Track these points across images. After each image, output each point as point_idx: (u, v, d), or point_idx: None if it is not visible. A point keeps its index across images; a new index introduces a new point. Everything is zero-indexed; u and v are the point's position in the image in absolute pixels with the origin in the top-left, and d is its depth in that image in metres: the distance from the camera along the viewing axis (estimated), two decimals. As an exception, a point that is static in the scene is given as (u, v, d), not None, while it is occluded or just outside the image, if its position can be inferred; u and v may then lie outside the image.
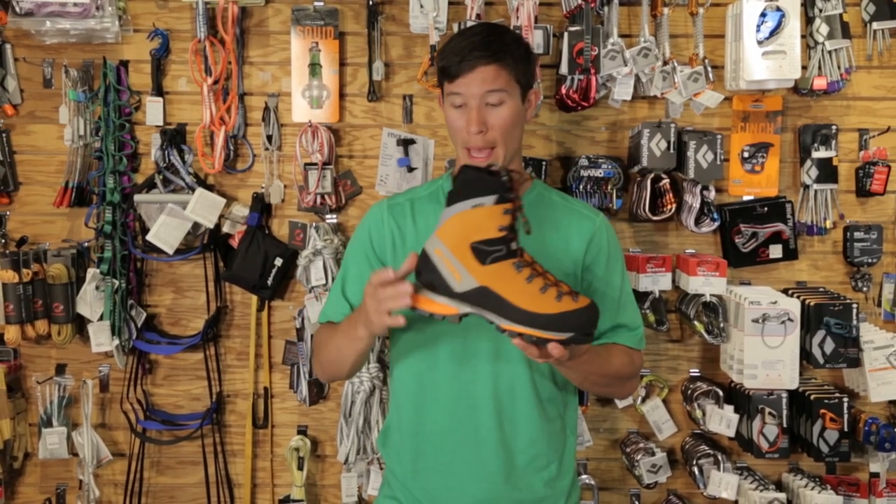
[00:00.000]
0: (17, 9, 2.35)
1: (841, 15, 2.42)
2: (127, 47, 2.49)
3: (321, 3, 2.47)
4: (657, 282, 2.41)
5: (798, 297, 2.40)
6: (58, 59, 2.49)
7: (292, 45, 2.47)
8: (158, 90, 2.49)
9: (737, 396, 2.46)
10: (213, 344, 2.56)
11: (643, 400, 2.53)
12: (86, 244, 2.51)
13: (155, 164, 2.49)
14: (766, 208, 2.48)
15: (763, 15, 2.29)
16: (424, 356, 1.67)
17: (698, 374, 2.56)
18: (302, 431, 2.57)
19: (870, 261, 2.50)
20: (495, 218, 1.39)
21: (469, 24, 2.27)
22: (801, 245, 2.53)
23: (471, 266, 1.39)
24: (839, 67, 2.43)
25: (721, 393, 2.43)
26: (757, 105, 2.48)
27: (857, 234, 2.49)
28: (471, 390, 1.65)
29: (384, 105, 2.53)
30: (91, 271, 2.43)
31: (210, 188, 2.50)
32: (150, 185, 2.48)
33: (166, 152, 2.46)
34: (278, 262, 2.45)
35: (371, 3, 2.45)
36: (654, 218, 2.41)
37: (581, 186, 2.45)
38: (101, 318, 2.44)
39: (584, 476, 2.49)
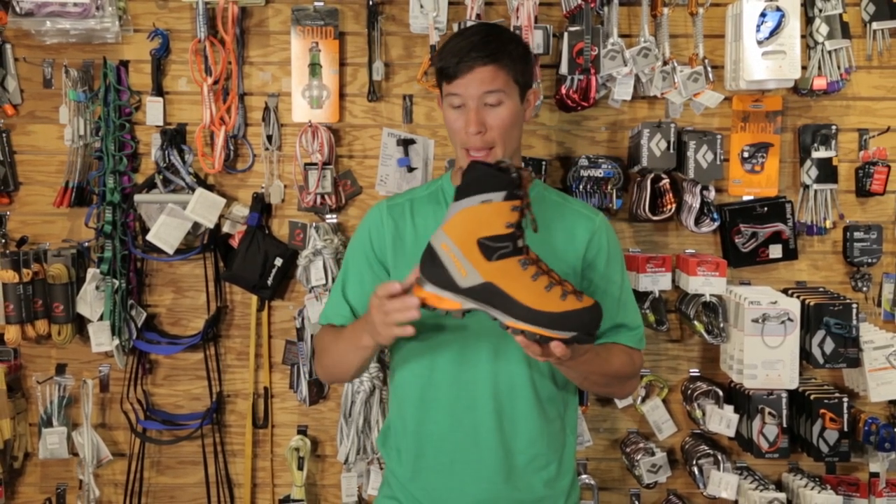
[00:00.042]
0: (18, 9, 2.35)
1: (841, 15, 2.42)
2: (127, 47, 2.50)
3: (321, 3, 2.47)
4: (657, 282, 2.41)
5: (798, 297, 2.40)
6: (58, 59, 2.49)
7: (292, 45, 2.47)
8: (158, 90, 2.49)
9: (737, 396, 2.46)
10: (214, 344, 2.56)
11: (643, 400, 2.53)
12: (86, 244, 2.51)
13: (155, 164, 2.49)
14: (765, 208, 2.48)
15: (763, 15, 2.29)
16: (424, 356, 1.67)
17: (698, 374, 2.56)
18: (302, 431, 2.57)
19: (869, 261, 2.50)
20: (503, 214, 1.39)
21: (469, 24, 2.27)
22: (800, 245, 2.53)
23: (476, 262, 1.39)
24: (839, 67, 2.43)
25: (721, 393, 2.43)
26: (757, 105, 2.48)
27: (857, 234, 2.49)
28: (471, 390, 1.65)
29: (384, 105, 2.53)
30: (91, 271, 2.43)
31: (210, 188, 2.50)
32: (150, 185, 2.48)
33: (166, 152, 2.46)
34: (278, 262, 2.45)
35: (371, 3, 2.45)
36: (654, 218, 2.41)
37: (581, 186, 2.45)
38: (101, 318, 2.44)
39: (584, 476, 2.49)
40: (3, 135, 2.49)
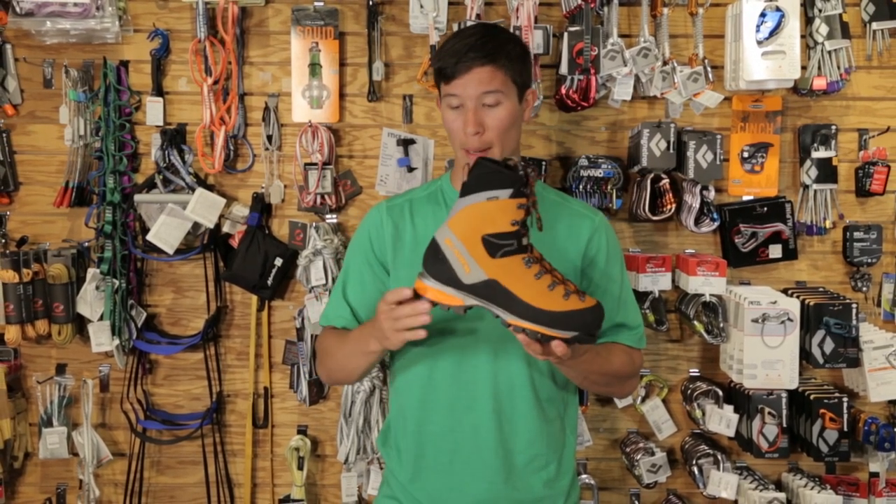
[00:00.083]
0: (18, 9, 2.35)
1: (840, 15, 2.42)
2: (127, 47, 2.50)
3: (321, 3, 2.47)
4: (657, 282, 2.41)
5: (798, 296, 2.40)
6: (58, 59, 2.49)
7: (292, 45, 2.47)
8: (158, 90, 2.50)
9: (736, 396, 2.47)
10: (214, 344, 2.56)
11: (643, 400, 2.53)
12: (86, 244, 2.51)
13: (155, 164, 2.49)
14: (765, 208, 2.49)
15: (763, 15, 2.29)
16: (424, 357, 1.67)
17: (698, 374, 2.56)
18: (302, 431, 2.57)
19: (869, 261, 2.50)
20: (509, 212, 1.39)
21: (469, 24, 2.27)
22: (800, 245, 2.53)
23: (481, 258, 1.39)
24: (839, 67, 2.43)
25: (721, 393, 2.43)
26: (756, 105, 2.48)
27: (857, 234, 2.49)
28: (470, 390, 1.65)
29: (384, 105, 2.53)
30: (91, 271, 2.43)
31: (210, 188, 2.50)
32: (150, 185, 2.48)
33: (166, 152, 2.46)
34: (278, 262, 2.45)
35: (371, 3, 2.46)
36: (654, 218, 2.42)
37: (581, 186, 2.45)
38: (101, 318, 2.44)
39: (583, 476, 2.49)
40: (4, 135, 2.49)
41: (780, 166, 2.51)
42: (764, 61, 2.30)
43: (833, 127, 2.49)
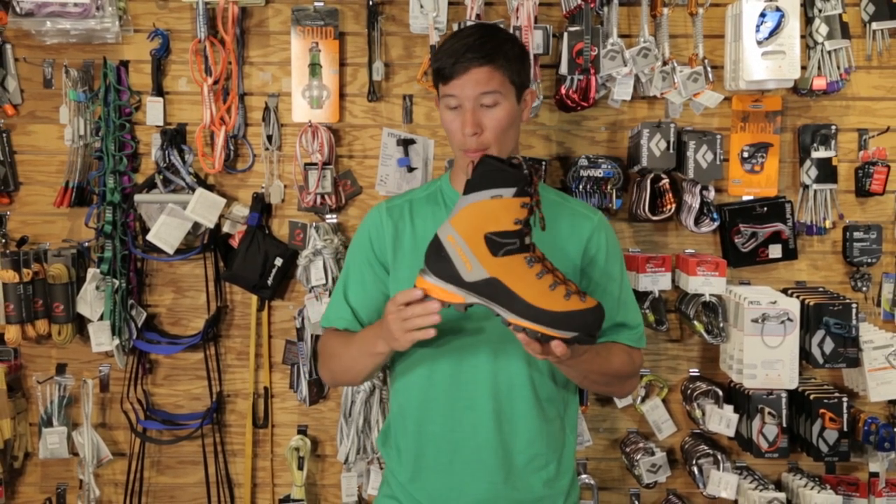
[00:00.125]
0: (18, 9, 2.35)
1: (840, 15, 2.42)
2: (127, 47, 2.50)
3: (321, 3, 2.47)
4: (657, 282, 2.41)
5: (797, 296, 2.40)
6: (58, 59, 2.49)
7: (292, 46, 2.47)
8: (159, 90, 2.50)
9: (736, 396, 2.47)
10: (214, 344, 2.56)
11: (643, 400, 2.54)
12: (86, 244, 2.51)
13: (155, 164, 2.49)
14: (765, 208, 2.49)
15: (762, 15, 2.30)
16: (425, 357, 1.67)
17: (698, 374, 2.56)
18: (302, 431, 2.57)
19: (869, 261, 2.50)
20: (512, 211, 1.39)
21: (469, 24, 2.27)
22: (800, 245, 2.53)
23: (483, 256, 1.39)
24: (838, 67, 2.43)
25: (720, 393, 2.43)
26: (756, 105, 2.48)
27: (857, 234, 2.49)
28: (470, 391, 1.65)
29: (384, 105, 2.53)
30: (91, 271, 2.43)
31: (210, 188, 2.50)
32: (150, 185, 2.48)
33: (166, 152, 2.46)
34: (278, 261, 2.45)
35: (371, 3, 2.46)
36: (654, 218, 2.42)
37: (581, 186, 2.45)
38: (101, 318, 2.44)
39: (583, 476, 2.49)
40: (4, 135, 2.49)
41: (780, 166, 2.51)
42: (764, 61, 2.30)
43: (833, 127, 2.49)
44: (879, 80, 2.52)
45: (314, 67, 2.46)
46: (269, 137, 2.50)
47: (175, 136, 2.47)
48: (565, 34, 2.33)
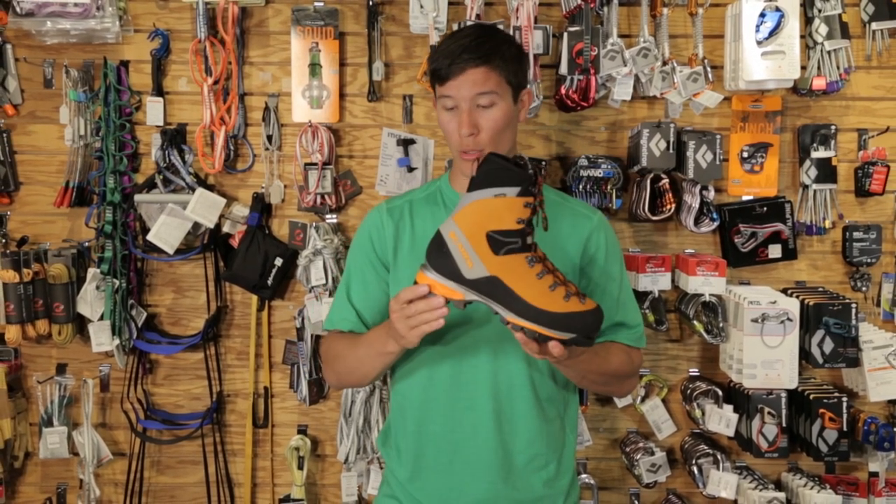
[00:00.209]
0: (18, 9, 2.36)
1: (840, 15, 2.42)
2: (127, 47, 2.50)
3: (321, 4, 2.47)
4: (656, 281, 2.41)
5: (797, 296, 2.41)
6: (58, 59, 2.49)
7: (292, 46, 2.47)
8: (159, 90, 2.50)
9: (736, 396, 2.47)
10: (214, 344, 2.56)
11: (643, 399, 2.54)
12: (86, 244, 2.51)
13: (155, 164, 2.49)
14: (765, 208, 2.49)
15: (762, 15, 2.30)
16: (425, 357, 1.67)
17: (698, 374, 2.56)
18: (302, 431, 2.57)
19: (869, 260, 2.50)
20: (515, 210, 1.39)
21: (468, 24, 2.27)
22: (800, 245, 2.53)
23: (484, 254, 1.39)
24: (838, 67, 2.43)
25: (720, 392, 2.43)
26: (756, 105, 2.48)
27: (857, 234, 2.49)
28: (470, 391, 1.65)
29: (384, 105, 2.53)
30: (91, 271, 2.43)
31: (210, 188, 2.50)
32: (150, 185, 2.48)
33: (167, 152, 2.46)
34: (278, 261, 2.45)
35: (371, 3, 2.46)
36: (654, 218, 2.42)
37: (580, 186, 2.45)
38: (101, 318, 2.44)
39: (583, 475, 2.49)
40: (4, 135, 2.49)
41: (780, 166, 2.51)
42: (763, 61, 2.30)
43: (832, 127, 2.49)
44: (879, 80, 2.52)
45: (314, 67, 2.46)
46: (269, 137, 2.50)
47: (175, 136, 2.47)
48: (565, 34, 2.33)
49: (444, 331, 1.60)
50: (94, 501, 2.49)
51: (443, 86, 1.61)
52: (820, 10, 2.43)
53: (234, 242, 2.47)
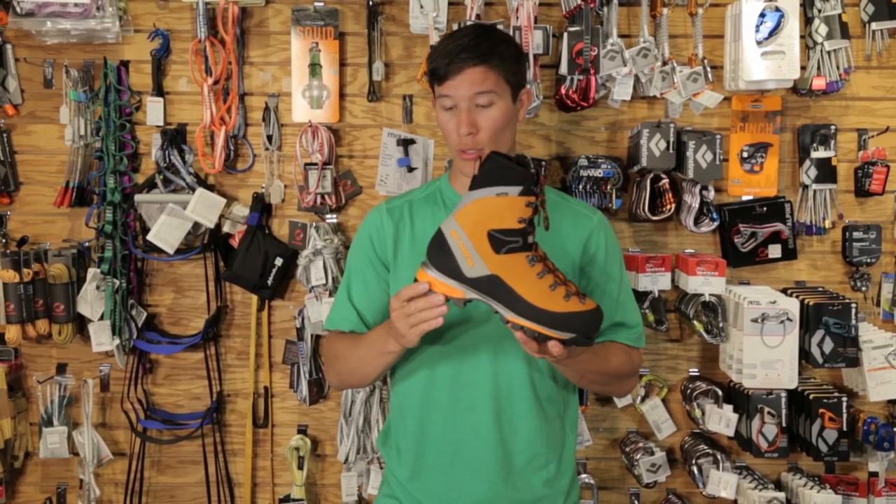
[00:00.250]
0: (18, 9, 2.36)
1: (840, 15, 2.42)
2: (127, 47, 2.50)
3: (321, 4, 2.47)
4: (656, 281, 2.41)
5: (797, 296, 2.41)
6: (58, 59, 2.49)
7: (292, 46, 2.47)
8: (159, 90, 2.50)
9: (736, 396, 2.47)
10: (214, 343, 2.57)
11: (642, 399, 2.54)
12: (86, 244, 2.51)
13: (155, 164, 2.49)
14: (765, 208, 2.49)
15: (762, 15, 2.30)
16: (425, 357, 1.67)
17: (697, 374, 2.56)
18: (302, 431, 2.57)
19: (869, 260, 2.50)
20: (517, 209, 1.39)
21: (467, 24, 2.27)
22: (800, 245, 2.53)
23: (485, 253, 1.39)
24: (838, 67, 2.43)
25: (720, 392, 2.43)
26: (756, 105, 2.48)
27: (856, 234, 2.49)
28: (470, 391, 1.65)
29: (384, 105, 2.54)
30: (92, 271, 2.43)
31: (210, 188, 2.50)
32: (150, 185, 2.48)
33: (167, 152, 2.46)
34: (278, 261, 2.46)
35: (371, 3, 2.46)
36: (654, 218, 2.42)
37: (580, 186, 2.45)
38: (101, 318, 2.44)
39: (583, 475, 2.49)
40: (4, 135, 2.49)
41: (780, 166, 2.51)
42: (763, 61, 2.30)
43: (832, 127, 2.49)
44: (879, 80, 2.52)
45: (314, 67, 2.46)
46: (269, 137, 2.50)
47: (175, 136, 2.47)
48: (565, 34, 2.33)
49: (443, 331, 1.60)
50: (94, 501, 2.49)
51: (441, 85, 1.61)
52: (820, 10, 2.43)
53: (235, 242, 2.48)
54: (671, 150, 2.38)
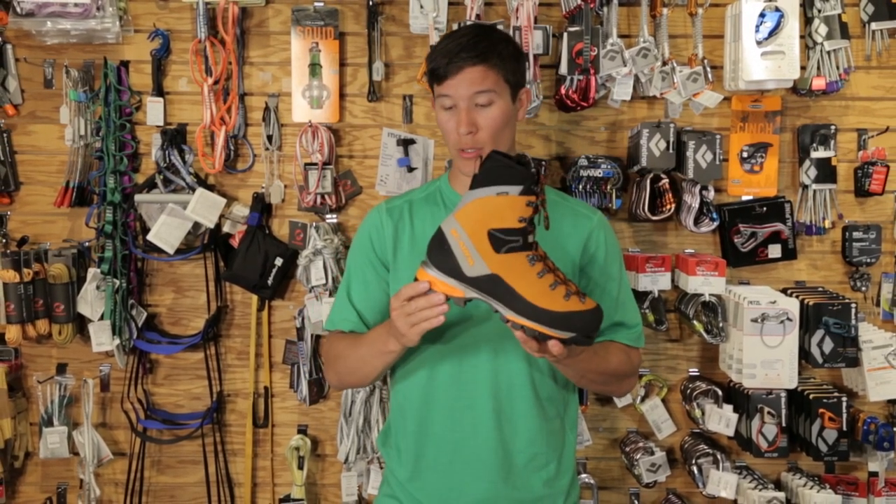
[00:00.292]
0: (18, 9, 2.36)
1: (840, 15, 2.42)
2: (127, 47, 2.50)
3: (321, 4, 2.47)
4: (656, 281, 2.41)
5: (797, 296, 2.41)
6: (59, 59, 2.49)
7: (292, 46, 2.47)
8: (159, 90, 2.50)
9: (736, 396, 2.47)
10: (214, 343, 2.57)
11: (642, 399, 2.54)
12: (86, 244, 2.51)
13: (155, 164, 2.49)
14: (764, 208, 2.49)
15: (762, 15, 2.30)
16: (425, 357, 1.67)
17: (697, 374, 2.56)
18: (302, 431, 2.58)
19: (868, 260, 2.50)
20: (517, 208, 1.39)
21: (467, 24, 2.27)
22: (799, 245, 2.53)
23: (485, 252, 1.39)
24: (838, 67, 2.44)
25: (720, 392, 2.43)
26: (756, 105, 2.49)
27: (856, 234, 2.49)
28: (470, 390, 1.65)
29: (384, 105, 2.54)
30: (92, 271, 2.43)
31: (210, 188, 2.50)
32: (150, 185, 2.49)
33: (167, 152, 2.46)
34: (278, 261, 2.46)
35: (371, 3, 2.46)
36: (654, 218, 2.42)
37: (580, 186, 2.45)
38: (101, 318, 2.44)
39: (583, 475, 2.49)
40: (4, 135, 2.49)
41: (780, 166, 2.51)
42: (763, 61, 2.30)
43: (832, 127, 2.49)
44: (879, 80, 2.53)
45: (314, 67, 2.46)
46: (270, 137, 2.51)
47: (175, 136, 2.47)
48: (565, 34, 2.34)
49: (443, 330, 1.60)
50: (94, 501, 2.49)
51: (441, 85, 1.62)
52: (819, 11, 2.43)
53: (235, 242, 2.48)
54: (671, 150, 2.39)
